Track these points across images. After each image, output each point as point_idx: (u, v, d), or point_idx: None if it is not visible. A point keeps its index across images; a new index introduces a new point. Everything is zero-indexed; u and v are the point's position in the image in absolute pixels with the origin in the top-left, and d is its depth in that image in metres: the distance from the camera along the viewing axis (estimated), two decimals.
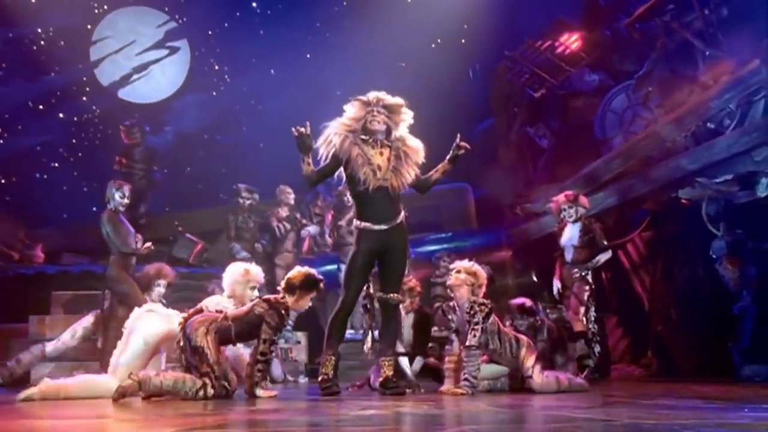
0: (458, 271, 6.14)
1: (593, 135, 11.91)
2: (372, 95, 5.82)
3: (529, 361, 5.97)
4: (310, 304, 5.76)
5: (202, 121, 15.80)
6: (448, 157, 5.97)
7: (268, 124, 15.51)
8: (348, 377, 9.30)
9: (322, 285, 5.69)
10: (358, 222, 5.77)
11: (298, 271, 5.68)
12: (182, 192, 14.23)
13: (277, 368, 8.91)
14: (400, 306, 7.14)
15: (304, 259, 11.03)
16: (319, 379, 5.73)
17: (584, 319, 7.85)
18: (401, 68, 15.67)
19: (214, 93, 16.50)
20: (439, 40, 15.53)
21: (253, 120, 16.11)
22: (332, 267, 10.82)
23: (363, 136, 5.78)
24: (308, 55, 16.32)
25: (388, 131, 5.83)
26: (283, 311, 5.48)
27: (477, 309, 5.92)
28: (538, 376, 5.93)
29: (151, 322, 5.71)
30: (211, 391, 5.18)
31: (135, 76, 16.11)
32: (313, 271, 5.73)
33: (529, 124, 12.92)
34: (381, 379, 5.84)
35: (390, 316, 5.89)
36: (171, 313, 5.80)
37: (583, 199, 8.27)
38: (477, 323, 5.88)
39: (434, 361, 7.29)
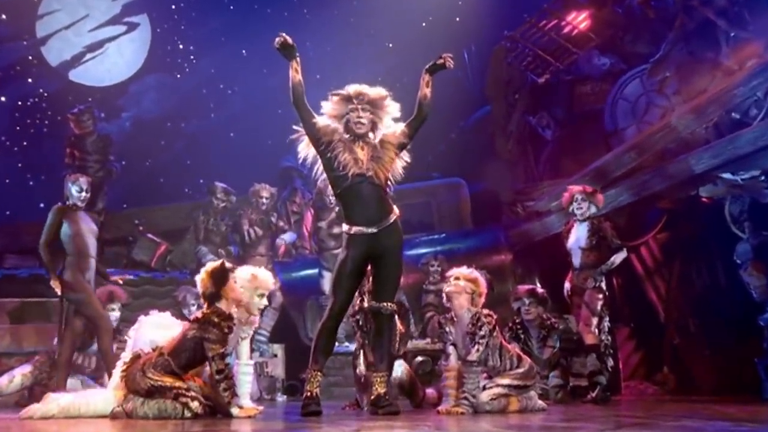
0: (457, 278, 6.15)
1: (603, 125, 11.93)
2: (352, 89, 5.85)
3: (506, 379, 6.02)
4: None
5: (164, 107, 15.71)
6: (426, 67, 5.99)
7: (239, 110, 15.51)
8: (330, 394, 9.30)
9: (227, 264, 5.77)
10: (347, 227, 5.77)
11: (201, 279, 5.74)
12: (142, 187, 14.15)
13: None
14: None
15: (279, 263, 11.00)
16: (303, 396, 5.73)
17: (596, 330, 7.86)
18: (387, 49, 15.68)
19: (178, 75, 16.39)
20: (430, 18, 15.54)
21: (221, 106, 16.04)
22: (312, 271, 10.81)
23: (345, 135, 5.81)
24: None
25: (373, 127, 5.86)
26: (217, 319, 5.53)
27: (484, 321, 5.95)
28: (488, 396, 5.95)
29: (155, 332, 5.88)
30: (195, 405, 5.37)
31: (88, 56, 15.99)
32: (211, 264, 5.82)
33: (531, 113, 12.93)
34: (372, 396, 5.82)
35: (383, 327, 5.88)
36: (176, 323, 6.00)
37: (599, 197, 8.24)
38: (483, 336, 5.91)
39: (408, 372, 7.21)
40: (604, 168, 10.58)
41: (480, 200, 13.54)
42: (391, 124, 5.95)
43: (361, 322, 6.49)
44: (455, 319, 6.16)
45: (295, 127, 5.96)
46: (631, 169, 10.28)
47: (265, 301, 6.13)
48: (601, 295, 7.91)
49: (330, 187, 5.98)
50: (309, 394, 5.65)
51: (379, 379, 5.81)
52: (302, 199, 12.05)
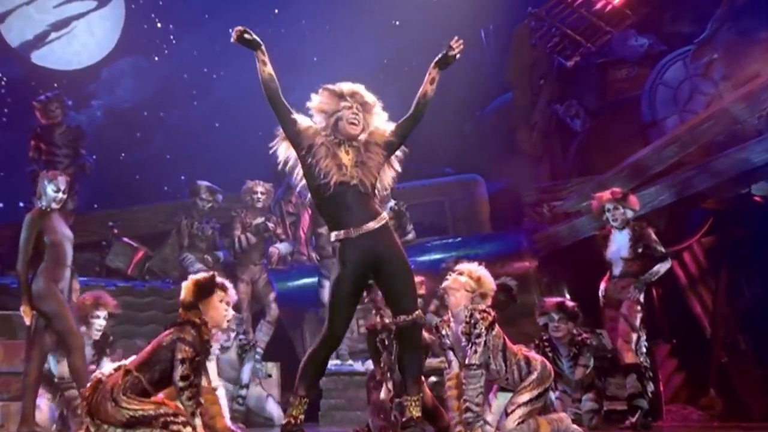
0: (460, 273, 6.20)
1: (640, 115, 11.98)
2: (346, 88, 5.86)
3: (524, 395, 6.06)
4: (230, 315, 5.84)
5: (140, 94, 15.73)
6: (435, 59, 5.97)
7: (225, 97, 15.52)
8: (332, 419, 9.37)
9: (218, 279, 5.77)
10: (335, 233, 5.78)
11: (186, 286, 5.75)
12: (115, 185, 14.15)
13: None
14: None
15: (274, 272, 11.04)
16: (284, 422, 5.81)
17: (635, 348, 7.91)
18: (394, 27, 15.71)
19: (156, 58, 16.43)
20: None
21: (205, 92, 16.07)
22: (310, 280, 10.83)
23: (329, 137, 5.83)
24: (276, 11, 16.32)
25: (362, 132, 5.89)
26: (198, 321, 5.54)
27: (478, 317, 5.98)
28: (514, 421, 5.99)
29: None
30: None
31: (53, 36, 16.02)
32: (203, 275, 5.82)
33: (558, 101, 12.99)
34: (404, 419, 5.85)
35: (410, 343, 5.83)
36: None
37: (632, 199, 8.29)
38: (479, 335, 5.94)
39: (429, 394, 7.26)
40: (641, 164, 10.61)
41: (499, 200, 13.58)
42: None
43: (387, 342, 6.49)
44: (452, 319, 6.22)
45: (275, 132, 5.97)
46: (672, 164, 10.31)
47: (232, 312, 6.11)
48: (639, 308, 7.96)
49: (310, 195, 6.02)
50: (292, 420, 5.71)
51: (413, 403, 5.82)
52: (299, 199, 12.02)
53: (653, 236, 8.13)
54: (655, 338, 9.76)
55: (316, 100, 5.87)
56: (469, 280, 6.14)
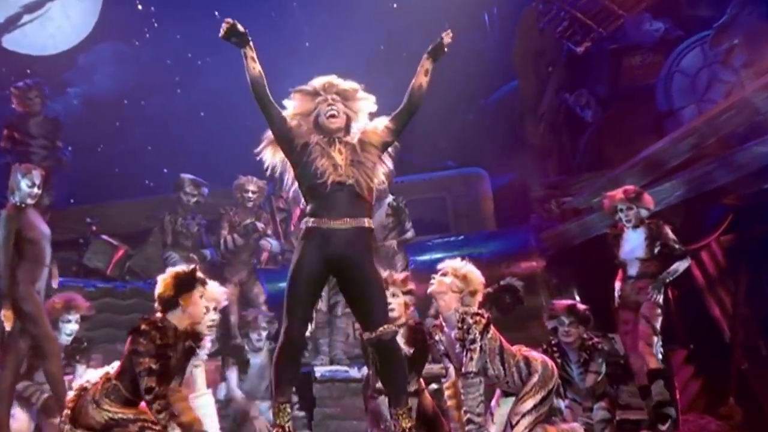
0: (444, 274, 6.22)
1: (655, 105, 12.01)
2: (318, 82, 5.92)
3: (527, 402, 6.09)
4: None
5: (120, 82, 15.73)
6: (427, 50, 6.00)
7: (211, 85, 15.53)
8: (327, 429, 9.38)
9: (198, 273, 5.82)
10: (305, 219, 5.83)
11: (164, 279, 5.81)
12: (93, 178, 14.15)
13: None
14: None
15: (264, 271, 11.06)
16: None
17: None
18: (392, 10, 15.73)
19: (137, 42, 16.45)
20: None
21: (190, 80, 16.10)
22: None
23: (319, 137, 5.88)
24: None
25: (348, 124, 5.94)
26: (147, 327, 5.57)
27: (471, 322, 6.01)
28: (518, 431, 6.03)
29: None
30: None
31: (25, 18, 16.00)
32: (182, 268, 5.88)
33: (568, 90, 13.02)
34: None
35: (385, 359, 5.85)
36: None
37: (646, 198, 8.33)
38: (473, 341, 5.98)
39: (431, 402, 7.30)
40: (656, 157, 10.65)
41: (504, 195, 13.64)
42: (369, 121, 6.01)
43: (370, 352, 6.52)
44: (444, 324, 6.25)
45: (262, 137, 6.00)
46: (689, 158, 10.34)
47: (212, 316, 6.15)
48: (659, 310, 8.00)
49: (303, 198, 5.99)
50: (281, 430, 5.73)
51: (402, 415, 5.86)
52: (289, 194, 11.99)
53: (670, 234, 8.17)
54: (670, 343, 9.78)
55: (291, 106, 5.92)
56: (454, 279, 6.18)
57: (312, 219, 5.75)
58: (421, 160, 14.41)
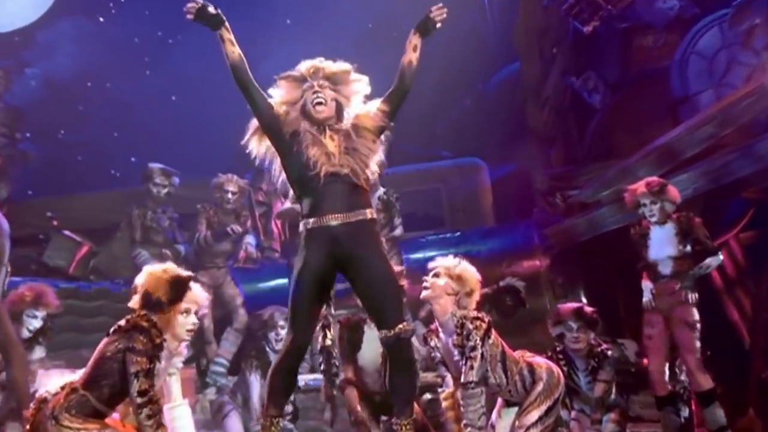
0: (436, 275, 6.23)
1: (669, 89, 12.03)
2: (304, 66, 5.91)
3: (531, 414, 6.11)
4: (195, 321, 5.90)
5: (83, 62, 15.61)
6: (416, 25, 6.02)
7: (183, 66, 15.48)
8: None
9: (191, 282, 5.80)
10: (304, 221, 5.81)
11: (158, 278, 5.72)
12: (54, 168, 14.10)
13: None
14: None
15: (241, 270, 11.07)
16: None
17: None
18: None
19: (101, 19, 16.37)
20: None
21: (160, 60, 16.03)
22: (284, 281, 10.84)
23: (309, 125, 5.89)
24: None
25: (339, 111, 5.93)
26: (146, 324, 5.51)
27: (471, 328, 6.03)
28: None
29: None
30: None
31: None
32: (175, 270, 5.80)
33: (574, 73, 13.03)
34: None
35: (398, 361, 5.84)
36: None
37: (672, 191, 8.27)
38: (474, 348, 6.00)
39: (420, 414, 7.31)
40: (671, 146, 10.68)
41: (505, 187, 13.67)
42: (364, 104, 6.01)
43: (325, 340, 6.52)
44: (440, 329, 6.26)
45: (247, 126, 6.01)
46: (707, 147, 10.37)
47: (193, 319, 6.15)
48: (697, 312, 8.01)
49: (292, 190, 6.04)
50: None
51: (404, 427, 5.87)
52: (270, 186, 11.97)
53: (703, 228, 8.16)
54: None
55: (278, 95, 5.92)
56: (448, 281, 6.21)
57: (311, 220, 5.76)
58: (415, 149, 14.42)
